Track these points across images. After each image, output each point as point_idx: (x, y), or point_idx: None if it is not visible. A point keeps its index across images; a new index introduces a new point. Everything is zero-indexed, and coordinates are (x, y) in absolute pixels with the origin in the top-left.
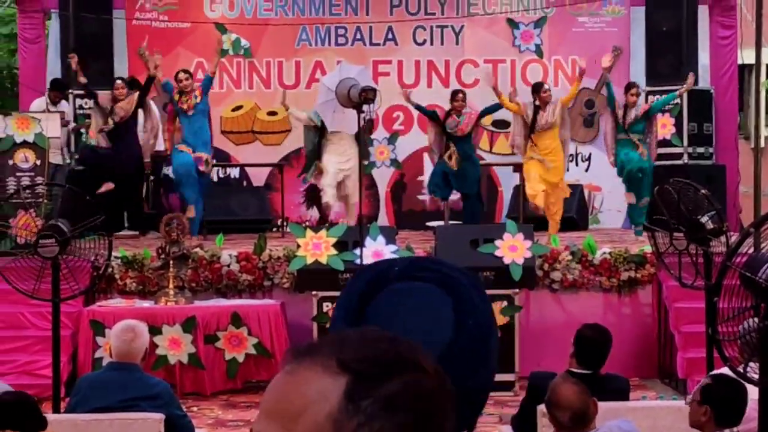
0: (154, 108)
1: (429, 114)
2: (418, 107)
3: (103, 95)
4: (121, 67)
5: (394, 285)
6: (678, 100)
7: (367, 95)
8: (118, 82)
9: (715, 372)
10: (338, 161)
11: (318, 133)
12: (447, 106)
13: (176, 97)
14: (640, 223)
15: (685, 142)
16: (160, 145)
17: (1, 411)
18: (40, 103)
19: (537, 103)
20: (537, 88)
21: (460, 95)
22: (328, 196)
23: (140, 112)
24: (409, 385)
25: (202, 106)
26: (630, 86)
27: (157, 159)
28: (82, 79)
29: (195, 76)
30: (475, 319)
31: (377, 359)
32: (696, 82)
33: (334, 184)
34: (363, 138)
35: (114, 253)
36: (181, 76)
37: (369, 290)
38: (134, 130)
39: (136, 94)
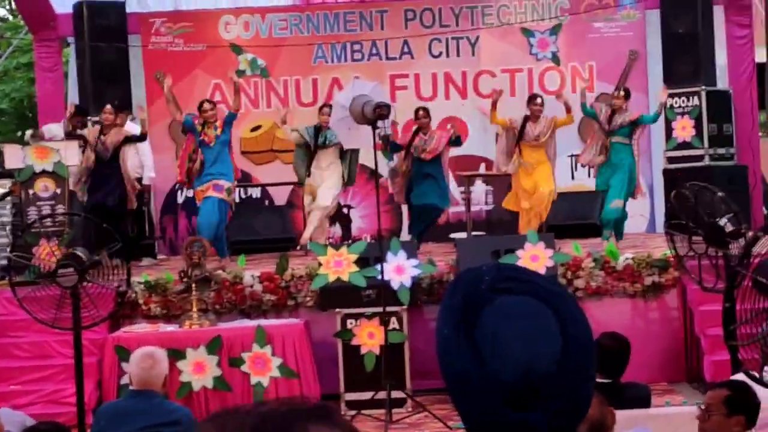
0: (145, 146)
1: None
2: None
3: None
4: (139, 92)
5: (494, 301)
6: (697, 102)
7: (381, 111)
8: (108, 107)
9: (731, 378)
10: (327, 186)
11: (307, 152)
12: (466, 118)
13: (199, 128)
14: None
15: (706, 144)
16: (148, 176)
17: None
18: (55, 128)
19: (527, 113)
20: (530, 100)
21: (422, 112)
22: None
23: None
24: None
25: (224, 137)
26: (617, 89)
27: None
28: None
29: (213, 96)
30: (576, 330)
31: None
32: (713, 83)
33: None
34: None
35: (137, 279)
36: (206, 106)
37: (467, 305)
38: (117, 165)
39: (124, 136)
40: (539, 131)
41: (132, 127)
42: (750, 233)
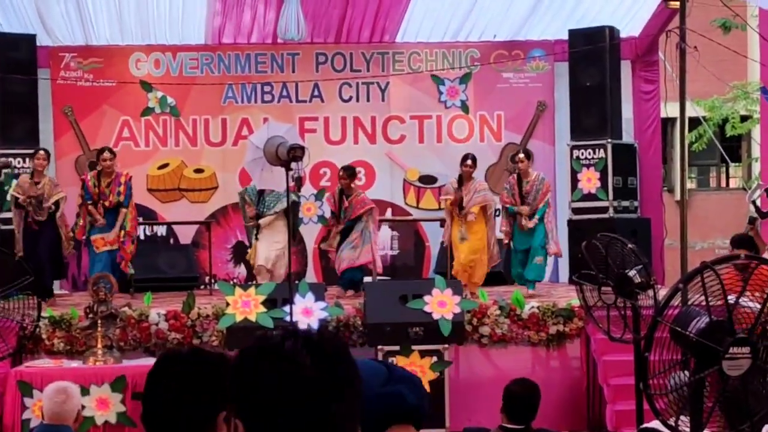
0: None
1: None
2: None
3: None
4: (46, 126)
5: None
6: (603, 154)
7: (296, 153)
8: (41, 152)
9: (645, 426)
10: (268, 248)
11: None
12: (374, 162)
13: (93, 181)
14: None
15: (611, 196)
16: None
17: None
18: None
19: (460, 173)
20: (462, 160)
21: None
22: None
23: None
24: None
25: (125, 203)
26: (515, 154)
27: None
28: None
29: (121, 133)
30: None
31: None
32: (619, 136)
33: (265, 269)
34: (289, 196)
35: (41, 313)
36: (106, 155)
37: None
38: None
39: (63, 195)
40: (471, 196)
41: None
42: (658, 285)
